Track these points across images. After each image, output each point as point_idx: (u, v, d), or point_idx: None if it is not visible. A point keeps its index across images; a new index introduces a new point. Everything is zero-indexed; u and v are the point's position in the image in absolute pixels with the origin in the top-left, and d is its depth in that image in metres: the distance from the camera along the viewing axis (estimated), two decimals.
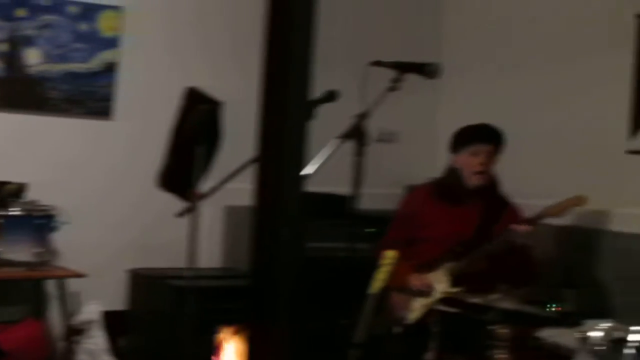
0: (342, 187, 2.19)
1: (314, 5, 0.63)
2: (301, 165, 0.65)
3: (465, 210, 2.51)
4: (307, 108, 0.69)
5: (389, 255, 2.05)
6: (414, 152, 3.60)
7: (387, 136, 3.41)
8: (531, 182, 2.95)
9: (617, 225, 2.75)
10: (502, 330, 1.98)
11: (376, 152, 2.18)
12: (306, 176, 1.04)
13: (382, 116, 2.20)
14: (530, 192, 2.78)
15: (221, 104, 2.55)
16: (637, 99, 2.71)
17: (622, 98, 2.79)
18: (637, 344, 1.85)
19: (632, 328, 1.91)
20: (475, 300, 2.04)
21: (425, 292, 2.38)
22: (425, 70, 2.15)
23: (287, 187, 0.63)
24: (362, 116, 2.01)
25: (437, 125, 3.61)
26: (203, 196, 2.30)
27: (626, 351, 1.89)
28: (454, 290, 2.27)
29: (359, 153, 1.96)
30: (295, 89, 0.63)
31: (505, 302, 2.08)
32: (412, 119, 3.58)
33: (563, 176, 2.91)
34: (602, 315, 2.22)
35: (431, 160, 3.38)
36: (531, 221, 2.39)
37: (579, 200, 2.40)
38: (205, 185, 2.36)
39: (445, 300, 2.22)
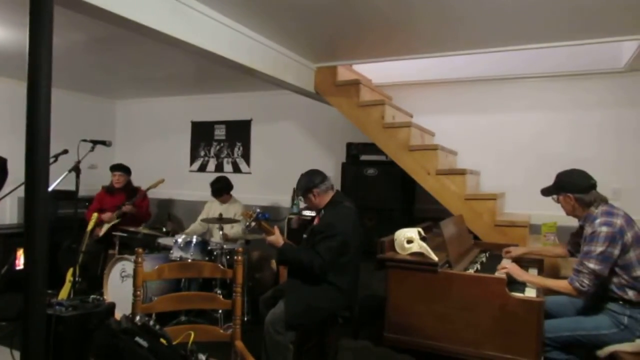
0: None
1: None
2: None
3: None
4: None
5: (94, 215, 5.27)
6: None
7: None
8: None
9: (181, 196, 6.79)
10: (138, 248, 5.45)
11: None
12: None
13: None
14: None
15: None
16: (192, 150, 6.75)
17: (187, 147, 6.82)
18: (181, 242, 5.33)
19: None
20: (127, 228, 5.46)
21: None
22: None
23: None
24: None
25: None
26: None
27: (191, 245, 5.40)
28: (118, 220, 5.65)
29: None
30: None
31: (145, 231, 5.53)
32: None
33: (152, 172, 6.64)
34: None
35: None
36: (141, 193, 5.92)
37: (161, 181, 5.99)
38: None
39: (114, 225, 5.59)
